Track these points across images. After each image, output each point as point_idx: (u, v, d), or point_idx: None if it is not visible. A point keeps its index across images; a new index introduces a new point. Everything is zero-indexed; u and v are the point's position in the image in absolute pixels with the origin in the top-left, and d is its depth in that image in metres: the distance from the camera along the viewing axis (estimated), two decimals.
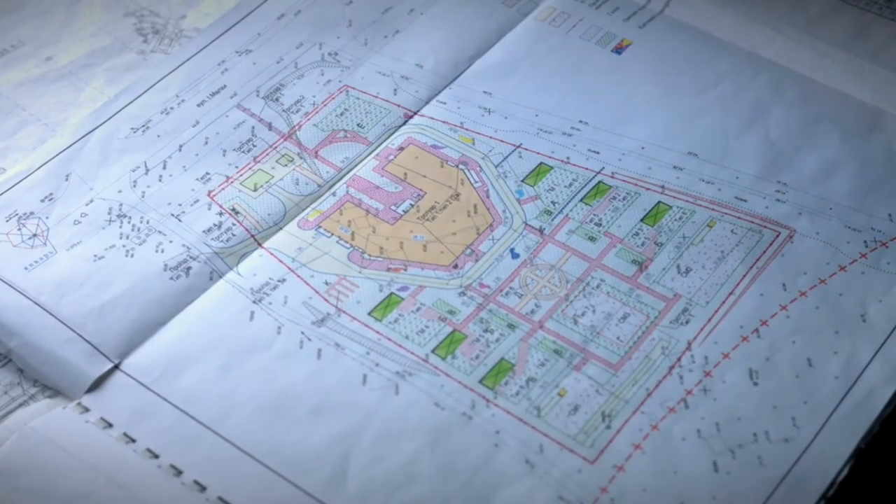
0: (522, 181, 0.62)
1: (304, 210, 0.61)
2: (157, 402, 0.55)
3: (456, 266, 0.59)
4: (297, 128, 0.65)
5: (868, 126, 0.64)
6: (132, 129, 0.65)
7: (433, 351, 0.56)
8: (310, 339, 0.56)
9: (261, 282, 0.58)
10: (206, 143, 0.64)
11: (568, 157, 0.63)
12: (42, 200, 0.62)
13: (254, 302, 0.58)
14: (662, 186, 0.62)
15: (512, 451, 0.53)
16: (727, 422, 0.53)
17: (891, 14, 0.69)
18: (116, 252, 0.60)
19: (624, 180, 0.62)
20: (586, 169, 0.62)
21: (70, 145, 0.64)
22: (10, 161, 0.64)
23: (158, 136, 0.65)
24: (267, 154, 0.64)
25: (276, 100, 0.66)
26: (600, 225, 0.60)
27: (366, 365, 0.55)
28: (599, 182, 0.62)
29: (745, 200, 0.61)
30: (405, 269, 0.59)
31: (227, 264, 0.59)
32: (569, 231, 0.60)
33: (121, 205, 0.62)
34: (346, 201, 0.62)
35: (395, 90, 0.66)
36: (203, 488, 0.52)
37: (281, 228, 0.61)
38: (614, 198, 0.61)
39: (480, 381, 0.55)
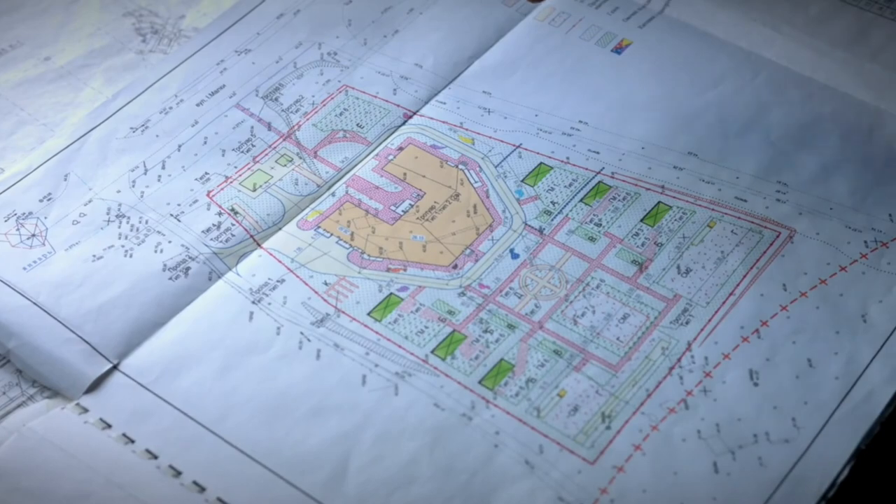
0: (522, 181, 0.62)
1: (303, 210, 0.61)
2: (156, 402, 0.54)
3: (455, 266, 0.59)
4: (296, 128, 0.65)
5: (868, 126, 0.64)
6: (131, 128, 0.65)
7: (433, 351, 0.56)
8: (309, 340, 0.56)
9: (260, 282, 0.58)
10: (205, 142, 0.64)
11: (568, 158, 0.63)
12: (41, 200, 0.62)
13: (253, 302, 0.58)
14: (662, 186, 0.61)
15: (511, 451, 0.52)
16: (727, 422, 0.53)
17: (891, 14, 0.69)
18: (115, 252, 0.60)
19: (624, 180, 0.62)
20: (586, 169, 0.62)
21: (68, 145, 0.64)
22: (9, 161, 0.64)
23: (157, 135, 0.65)
24: (266, 154, 0.64)
25: (276, 99, 0.66)
26: (600, 225, 0.60)
27: (365, 365, 0.55)
28: (599, 182, 0.62)
29: (746, 200, 0.61)
30: (405, 270, 0.59)
31: (227, 264, 0.59)
32: (569, 231, 0.60)
33: (119, 205, 0.62)
34: (346, 201, 0.62)
35: (395, 90, 0.66)
36: (202, 489, 0.52)
37: (280, 229, 0.61)
38: (614, 198, 0.61)
39: (480, 382, 0.55)
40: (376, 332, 0.56)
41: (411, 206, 0.61)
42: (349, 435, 0.53)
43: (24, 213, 0.61)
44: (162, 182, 0.62)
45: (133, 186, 0.62)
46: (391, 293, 0.58)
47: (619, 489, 0.51)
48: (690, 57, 0.67)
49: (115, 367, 0.56)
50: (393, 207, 0.61)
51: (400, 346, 0.56)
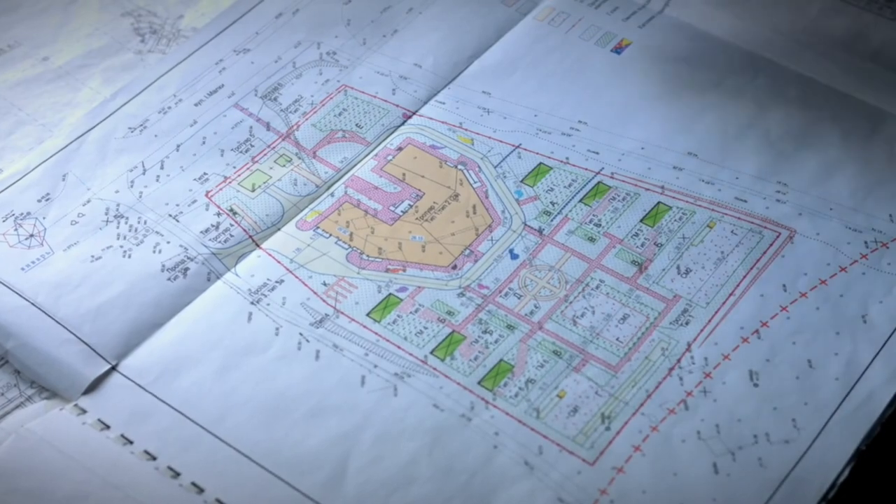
0: (521, 181, 0.62)
1: (302, 211, 0.61)
2: (154, 403, 0.54)
3: (455, 267, 0.59)
4: (295, 128, 0.65)
5: (868, 126, 0.64)
6: (129, 128, 0.65)
7: (432, 352, 0.56)
8: (308, 341, 0.56)
9: (259, 283, 0.58)
10: (204, 142, 0.64)
11: (567, 158, 0.63)
12: (39, 201, 0.62)
13: (252, 303, 0.58)
14: (662, 187, 0.61)
15: (511, 452, 0.52)
16: (727, 423, 0.53)
17: (891, 14, 0.69)
18: (114, 253, 0.59)
19: (623, 181, 0.62)
20: (586, 169, 0.62)
21: (67, 145, 0.64)
22: (7, 161, 0.64)
23: (156, 135, 0.64)
24: (265, 154, 0.64)
25: (275, 99, 0.66)
26: (600, 225, 0.60)
27: (364, 366, 0.55)
28: (599, 182, 0.62)
29: (746, 201, 0.61)
30: (404, 270, 0.59)
31: (225, 265, 0.59)
32: (568, 232, 0.60)
33: (118, 205, 0.61)
34: (345, 202, 0.61)
35: (394, 90, 0.66)
36: (201, 490, 0.52)
37: (279, 229, 0.60)
38: (614, 198, 0.61)
39: (479, 383, 0.55)
40: (375, 333, 0.56)
41: (410, 206, 0.61)
42: (348, 436, 0.53)
43: (22, 214, 0.61)
44: (160, 182, 0.62)
45: (131, 187, 0.62)
46: (390, 294, 0.58)
47: (618, 490, 0.51)
48: (690, 57, 0.67)
49: (113, 368, 0.56)
50: (392, 208, 0.61)
51: (399, 347, 0.56)
